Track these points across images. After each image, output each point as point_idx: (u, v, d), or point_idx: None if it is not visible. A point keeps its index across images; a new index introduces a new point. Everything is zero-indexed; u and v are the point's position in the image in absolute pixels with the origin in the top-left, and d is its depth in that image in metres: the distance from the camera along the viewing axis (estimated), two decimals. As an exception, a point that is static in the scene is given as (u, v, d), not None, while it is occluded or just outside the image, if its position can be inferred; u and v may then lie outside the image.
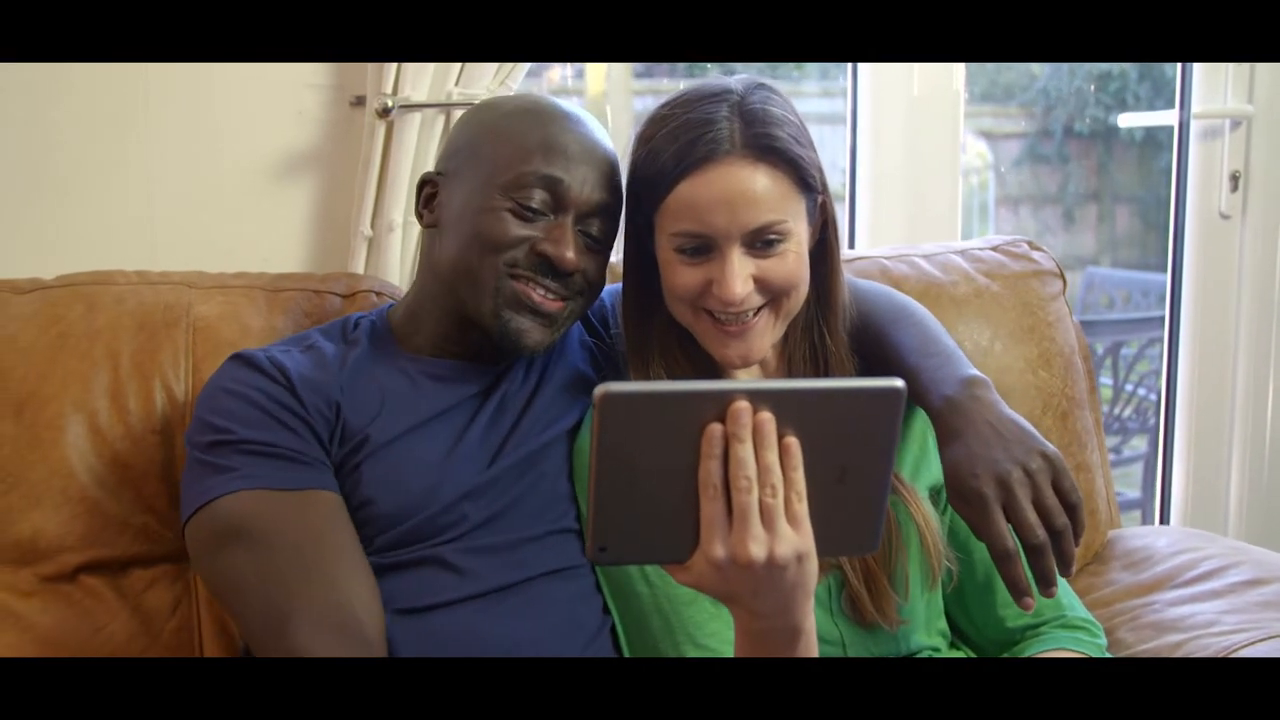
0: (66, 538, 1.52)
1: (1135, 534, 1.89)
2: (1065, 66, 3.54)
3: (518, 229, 1.36)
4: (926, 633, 1.41)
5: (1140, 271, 4.25)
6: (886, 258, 1.89)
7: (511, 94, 1.52)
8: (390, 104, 1.81)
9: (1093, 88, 3.71)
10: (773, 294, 1.32)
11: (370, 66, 1.84)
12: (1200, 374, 2.60)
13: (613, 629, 1.38)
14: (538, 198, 1.36)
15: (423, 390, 1.41)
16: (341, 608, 1.24)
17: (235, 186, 1.90)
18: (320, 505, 1.31)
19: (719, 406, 0.93)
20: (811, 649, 1.06)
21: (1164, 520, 2.68)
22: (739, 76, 1.35)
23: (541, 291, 1.38)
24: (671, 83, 2.80)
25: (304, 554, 1.26)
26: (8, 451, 1.51)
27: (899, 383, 0.94)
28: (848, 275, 1.46)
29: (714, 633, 1.31)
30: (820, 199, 1.36)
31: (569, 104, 1.44)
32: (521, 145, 1.37)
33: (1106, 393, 3.93)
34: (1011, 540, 1.19)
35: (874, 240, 2.35)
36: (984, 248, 1.94)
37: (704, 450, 0.94)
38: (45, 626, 1.49)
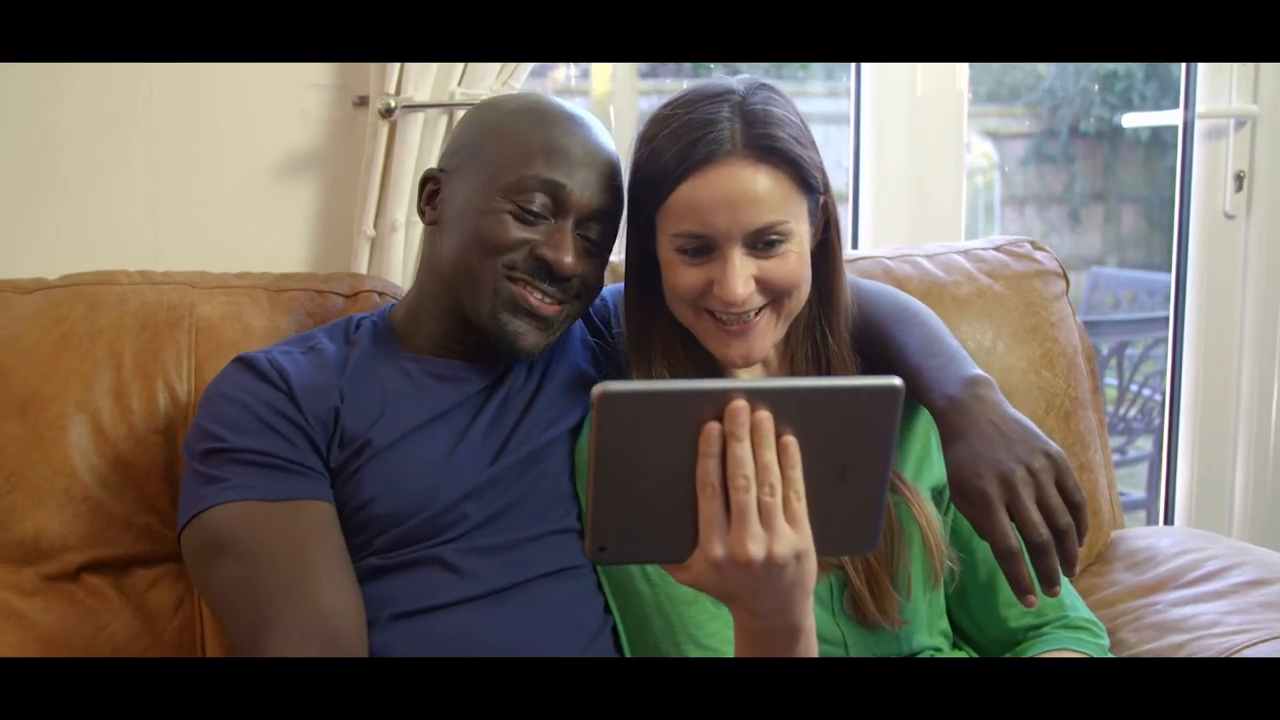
0: (69, 537, 1.52)
1: (1138, 534, 1.89)
2: (1071, 66, 3.54)
3: (517, 231, 1.36)
4: (929, 633, 1.41)
5: (1146, 271, 4.25)
6: (889, 258, 1.89)
7: (516, 94, 1.52)
8: (393, 104, 1.81)
9: (1097, 88, 3.71)
10: (774, 294, 1.32)
11: (373, 66, 1.84)
12: (1205, 374, 2.59)
13: (614, 629, 1.38)
14: (538, 201, 1.36)
15: (425, 390, 1.41)
16: (322, 618, 1.24)
17: (238, 186, 1.90)
18: (308, 515, 1.31)
19: (717, 405, 0.93)
20: (811, 649, 1.06)
21: (1168, 521, 2.67)
22: (741, 77, 1.35)
23: (539, 295, 1.38)
24: (676, 83, 2.80)
25: (287, 566, 1.27)
26: (11, 451, 1.51)
27: (897, 381, 0.94)
28: (851, 275, 1.46)
29: (715, 633, 1.31)
30: (822, 199, 1.36)
31: (571, 105, 1.44)
32: (524, 147, 1.37)
33: (1112, 393, 3.93)
34: (1015, 539, 1.19)
35: (877, 240, 2.35)
36: (987, 248, 1.94)
37: (702, 449, 0.94)
38: (48, 626, 1.49)
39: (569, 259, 1.36)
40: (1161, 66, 3.07)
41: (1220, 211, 2.53)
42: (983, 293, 1.85)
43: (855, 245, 2.36)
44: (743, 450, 0.93)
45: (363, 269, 1.87)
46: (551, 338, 1.42)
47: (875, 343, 1.44)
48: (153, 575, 1.55)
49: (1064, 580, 1.26)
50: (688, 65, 2.66)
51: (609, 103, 2.84)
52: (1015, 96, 3.86)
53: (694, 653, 1.32)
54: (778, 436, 0.94)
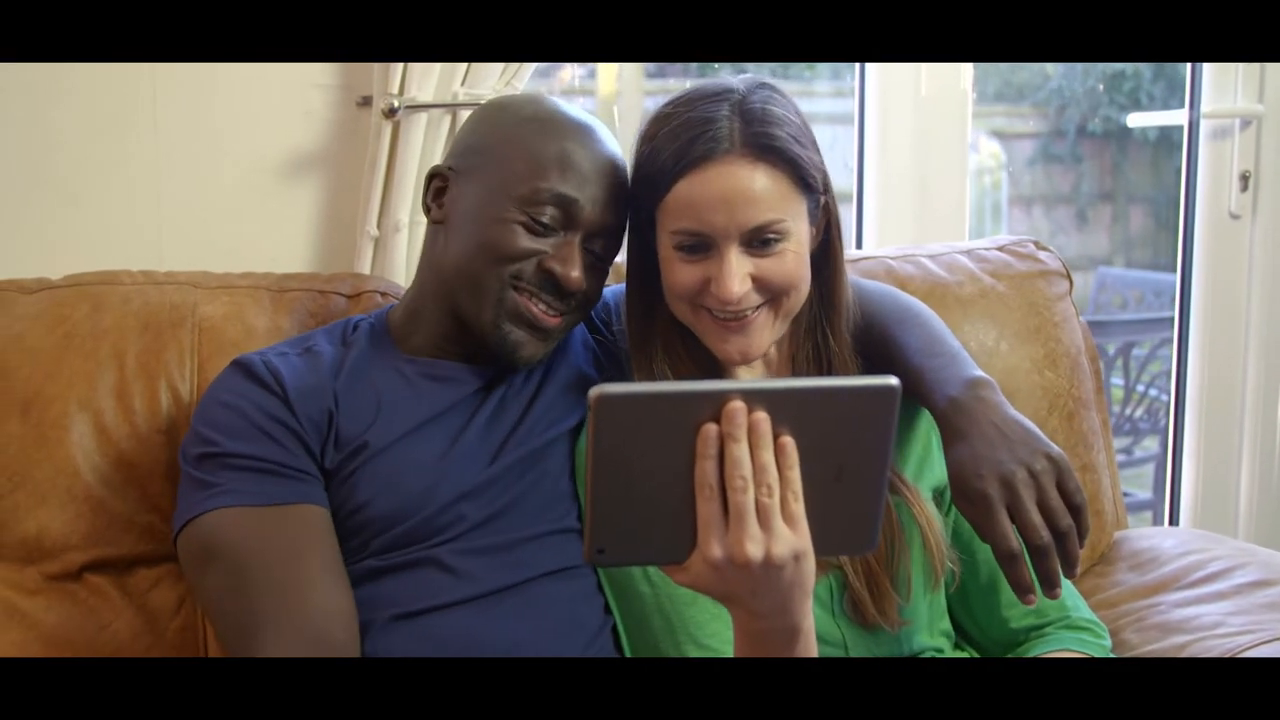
0: (71, 536, 1.52)
1: (1142, 535, 1.88)
2: (1079, 66, 3.53)
3: (527, 242, 1.36)
4: (929, 633, 1.41)
5: (1153, 272, 4.24)
6: (892, 258, 1.89)
7: (528, 96, 1.51)
8: (396, 104, 1.82)
9: (1101, 87, 3.70)
10: (772, 293, 1.33)
11: (376, 66, 1.84)
12: (1210, 374, 2.59)
13: (614, 629, 1.38)
14: (549, 213, 1.36)
15: (420, 391, 1.41)
16: (311, 622, 1.25)
17: (242, 186, 1.91)
18: (299, 520, 1.32)
19: (714, 407, 0.93)
20: (811, 649, 1.06)
21: (1173, 522, 2.67)
22: (744, 76, 1.35)
23: (542, 306, 1.38)
24: (682, 83, 2.79)
25: (276, 571, 1.27)
26: (14, 450, 1.52)
27: (894, 381, 0.94)
28: (852, 276, 1.46)
29: (715, 633, 1.31)
30: (823, 200, 1.36)
31: (583, 113, 1.44)
32: (539, 159, 1.37)
33: (1118, 393, 3.92)
34: (1016, 541, 1.19)
35: (881, 240, 2.34)
36: (990, 248, 1.94)
37: (699, 451, 0.94)
38: (50, 625, 1.50)
39: (576, 273, 1.37)
40: (1169, 66, 3.06)
41: (1225, 211, 2.53)
42: (986, 293, 1.85)
43: (859, 245, 2.36)
44: (740, 451, 0.94)
45: (366, 269, 1.87)
46: (549, 347, 1.42)
47: (876, 343, 1.44)
48: (155, 575, 1.56)
49: (1066, 581, 1.26)
50: (694, 65, 2.66)
51: (614, 103, 2.84)
52: (1022, 96, 3.85)
53: (694, 653, 1.32)
54: (775, 437, 0.94)
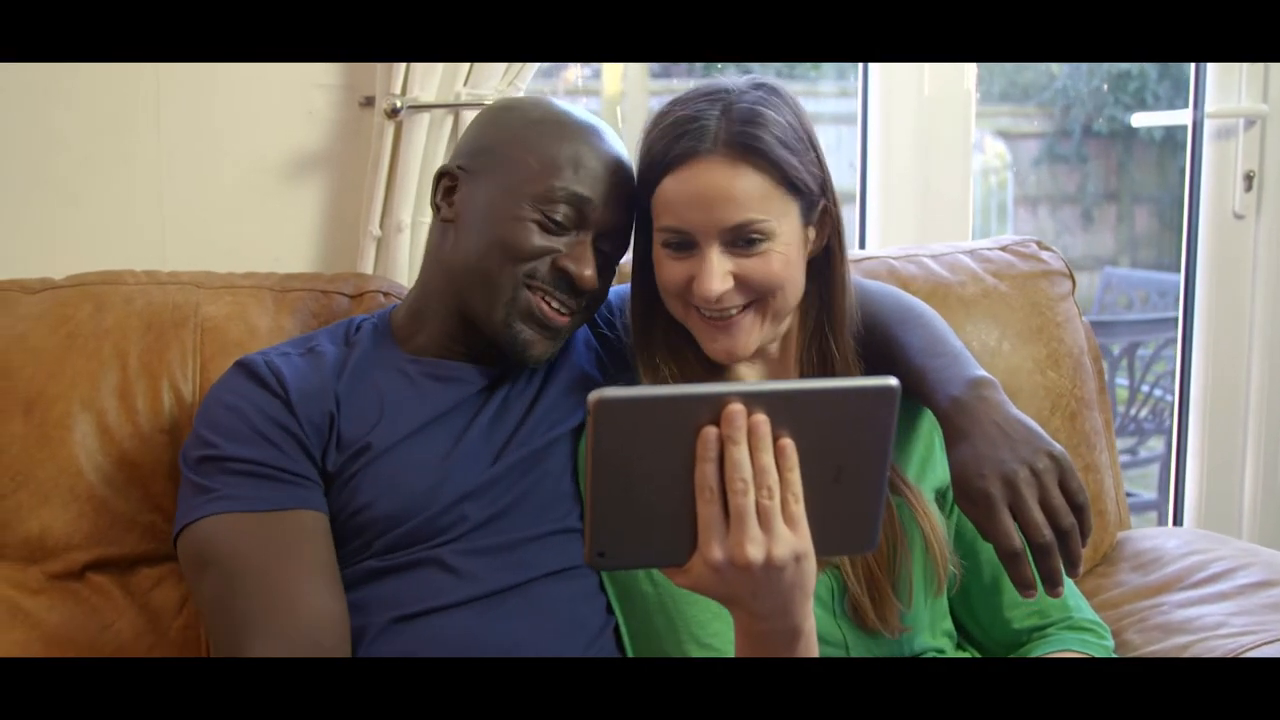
0: (74, 536, 1.53)
1: (1145, 535, 1.88)
2: (1084, 66, 3.53)
3: (541, 240, 1.37)
4: (931, 634, 1.41)
5: (1158, 272, 4.24)
6: (894, 258, 1.88)
7: (534, 99, 1.52)
8: (399, 104, 1.82)
9: (1105, 87, 3.70)
10: (756, 293, 1.33)
11: (379, 67, 1.85)
12: (1214, 375, 2.58)
13: (615, 629, 1.38)
14: (562, 212, 1.37)
15: (423, 391, 1.42)
16: (301, 627, 1.25)
17: (244, 186, 1.91)
18: (295, 526, 1.32)
19: (713, 409, 0.93)
20: (812, 650, 1.06)
21: (1178, 522, 2.66)
22: (747, 77, 1.36)
23: (555, 305, 1.39)
24: (686, 84, 2.80)
25: (268, 577, 1.28)
26: (16, 450, 1.52)
27: (893, 381, 0.94)
28: (855, 276, 1.46)
29: (717, 632, 1.31)
30: (822, 203, 1.36)
31: (589, 115, 1.45)
32: (552, 158, 1.38)
33: (1123, 394, 3.91)
34: (1018, 540, 1.19)
35: (885, 240, 2.34)
36: (992, 248, 1.93)
37: (699, 453, 0.94)
38: (53, 624, 1.50)
39: (590, 272, 1.38)
40: (1175, 65, 3.06)
41: (1230, 211, 2.52)
42: (988, 293, 1.85)
43: (862, 245, 2.36)
44: (740, 454, 0.94)
45: (368, 269, 1.88)
46: (558, 346, 1.43)
47: (879, 343, 1.44)
48: (157, 574, 1.56)
49: (1068, 581, 1.26)
50: (699, 65, 2.66)
51: (620, 103, 2.84)
52: (1028, 96, 3.85)
53: (696, 652, 1.32)
54: (775, 439, 0.94)
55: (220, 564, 1.29)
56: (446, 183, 1.46)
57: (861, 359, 1.43)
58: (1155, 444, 3.93)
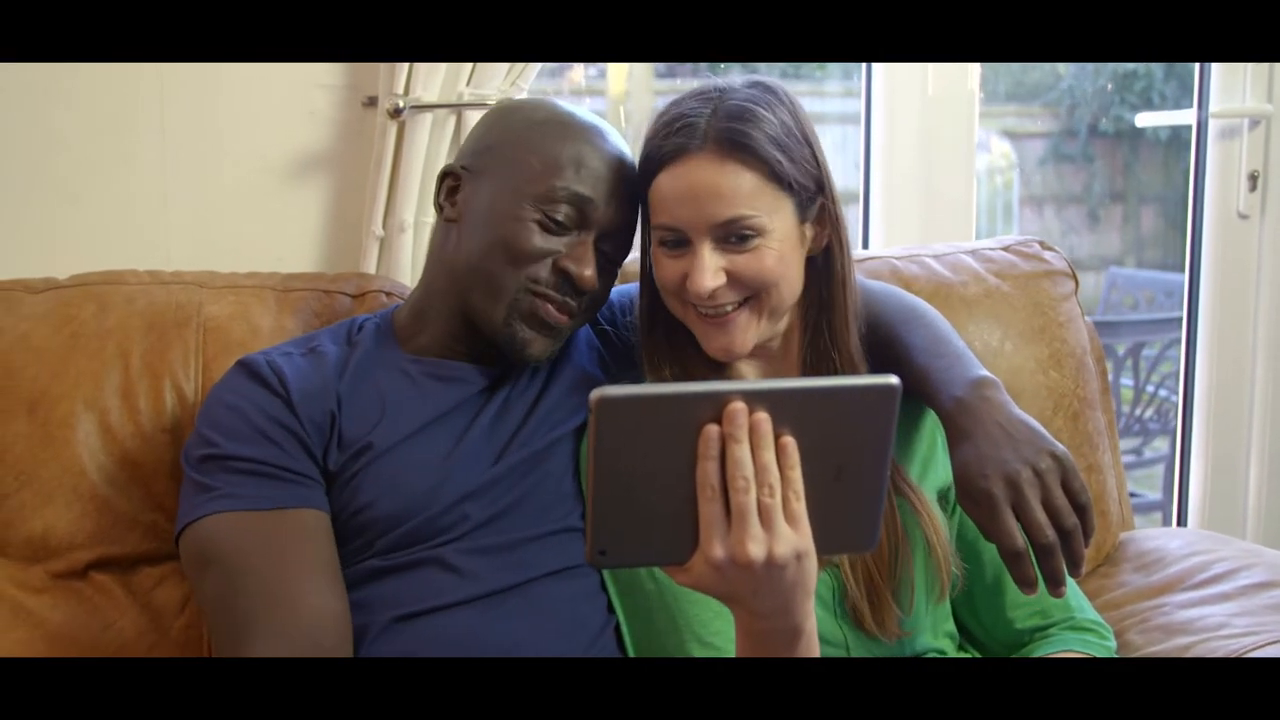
0: (77, 535, 1.53)
1: (1148, 535, 1.87)
2: (1090, 65, 3.52)
3: (542, 241, 1.38)
4: (933, 635, 1.41)
5: (1164, 272, 4.23)
6: (897, 258, 1.88)
7: (538, 100, 1.53)
8: (402, 104, 1.82)
9: (1110, 86, 3.69)
10: (749, 290, 1.33)
11: (382, 67, 1.85)
12: (1218, 375, 2.58)
13: (616, 629, 1.38)
14: (564, 212, 1.38)
15: (425, 391, 1.42)
16: (302, 626, 1.25)
17: (247, 186, 1.91)
18: (296, 525, 1.32)
19: (715, 408, 0.93)
20: (813, 649, 1.06)
21: (1181, 522, 2.66)
22: (745, 77, 1.36)
23: (555, 306, 1.39)
24: (690, 84, 2.79)
25: (268, 577, 1.28)
26: (20, 449, 1.53)
27: (894, 380, 0.94)
28: (858, 276, 1.46)
29: (719, 631, 1.31)
30: (820, 201, 1.36)
31: (592, 115, 1.46)
32: (554, 158, 1.38)
33: (1128, 394, 3.91)
34: (1021, 540, 1.19)
35: (888, 240, 2.34)
36: (995, 248, 1.93)
37: (701, 451, 0.94)
38: (55, 623, 1.50)
39: (590, 272, 1.38)
40: (1181, 65, 3.06)
41: (1234, 211, 2.51)
42: (990, 293, 1.85)
43: (866, 245, 2.36)
44: (742, 452, 0.94)
45: (371, 269, 1.88)
46: (557, 345, 1.43)
47: (881, 343, 1.44)
48: (159, 573, 1.56)
49: (1070, 581, 1.26)
50: (704, 65, 2.66)
51: (624, 103, 2.84)
52: (1034, 96, 3.85)
53: (698, 651, 1.32)
54: (776, 437, 0.94)
55: (221, 563, 1.30)
56: (450, 183, 1.46)
57: (865, 360, 1.43)
58: (1160, 444, 3.92)
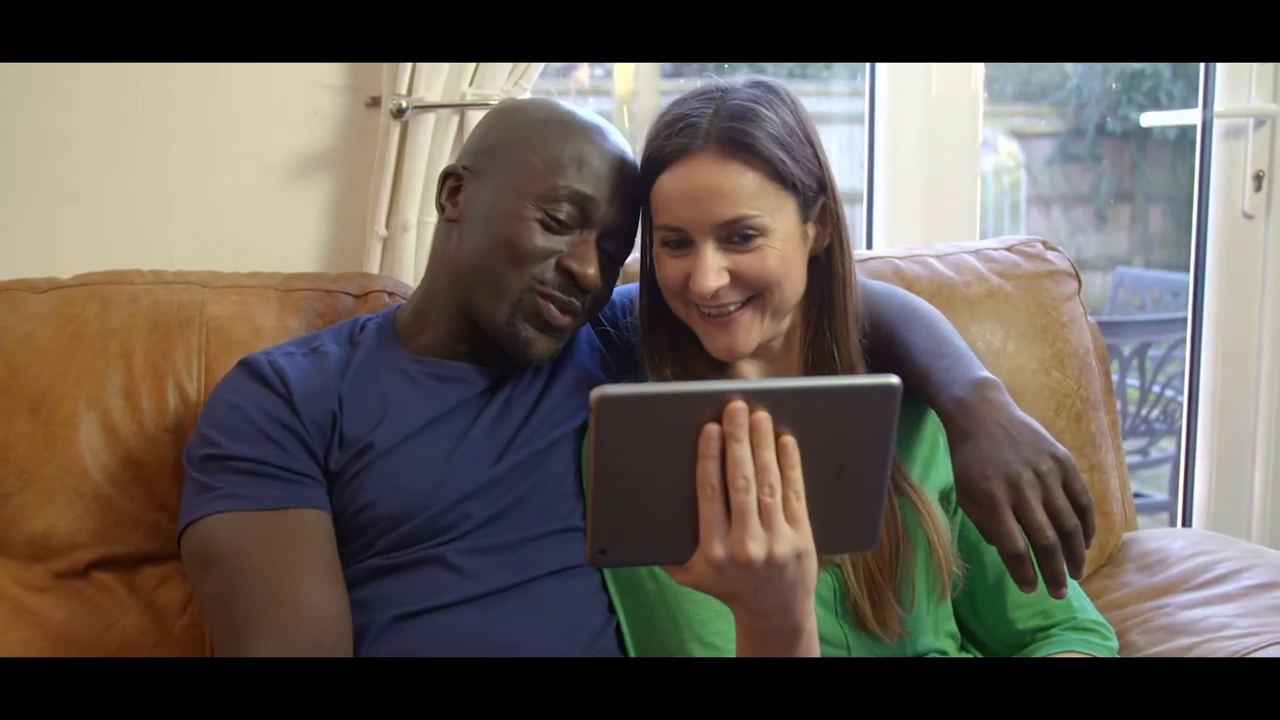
0: (79, 534, 1.53)
1: (1151, 536, 1.87)
2: (1098, 65, 3.52)
3: (544, 240, 1.38)
4: (934, 635, 1.40)
5: (1171, 272, 4.22)
6: (899, 258, 1.88)
7: (539, 100, 1.53)
8: (405, 104, 1.82)
9: (1115, 86, 3.69)
10: (752, 289, 1.33)
11: (385, 67, 1.85)
12: (1223, 375, 2.57)
13: (616, 628, 1.38)
14: (566, 211, 1.38)
15: (426, 392, 1.42)
16: (302, 625, 1.25)
17: (251, 187, 1.91)
18: (297, 524, 1.32)
19: (715, 407, 0.93)
20: (813, 649, 1.06)
21: (1186, 523, 2.66)
22: (748, 76, 1.36)
23: (557, 306, 1.39)
24: (696, 84, 2.79)
25: (269, 575, 1.28)
26: (22, 448, 1.53)
27: (894, 379, 0.94)
28: (859, 276, 1.46)
29: (719, 630, 1.31)
30: (822, 201, 1.36)
31: (594, 115, 1.46)
32: (556, 157, 1.39)
33: (1134, 394, 3.90)
34: (1022, 541, 1.19)
35: (891, 240, 2.34)
36: (998, 248, 1.93)
37: (701, 451, 0.94)
38: (58, 622, 1.51)
39: (593, 271, 1.38)
40: (1188, 65, 3.05)
41: (1239, 211, 2.51)
42: (993, 293, 1.84)
43: (869, 245, 2.36)
44: (742, 451, 0.94)
45: (374, 269, 1.88)
46: (559, 344, 1.43)
47: (883, 343, 1.44)
48: (162, 573, 1.57)
49: (1072, 582, 1.26)
50: (710, 65, 2.66)
51: (630, 102, 2.84)
52: (1042, 96, 3.85)
53: (699, 651, 1.32)
54: (776, 436, 0.94)
55: (222, 562, 1.30)
56: (451, 183, 1.46)
57: (866, 360, 1.43)
58: (1167, 445, 3.92)
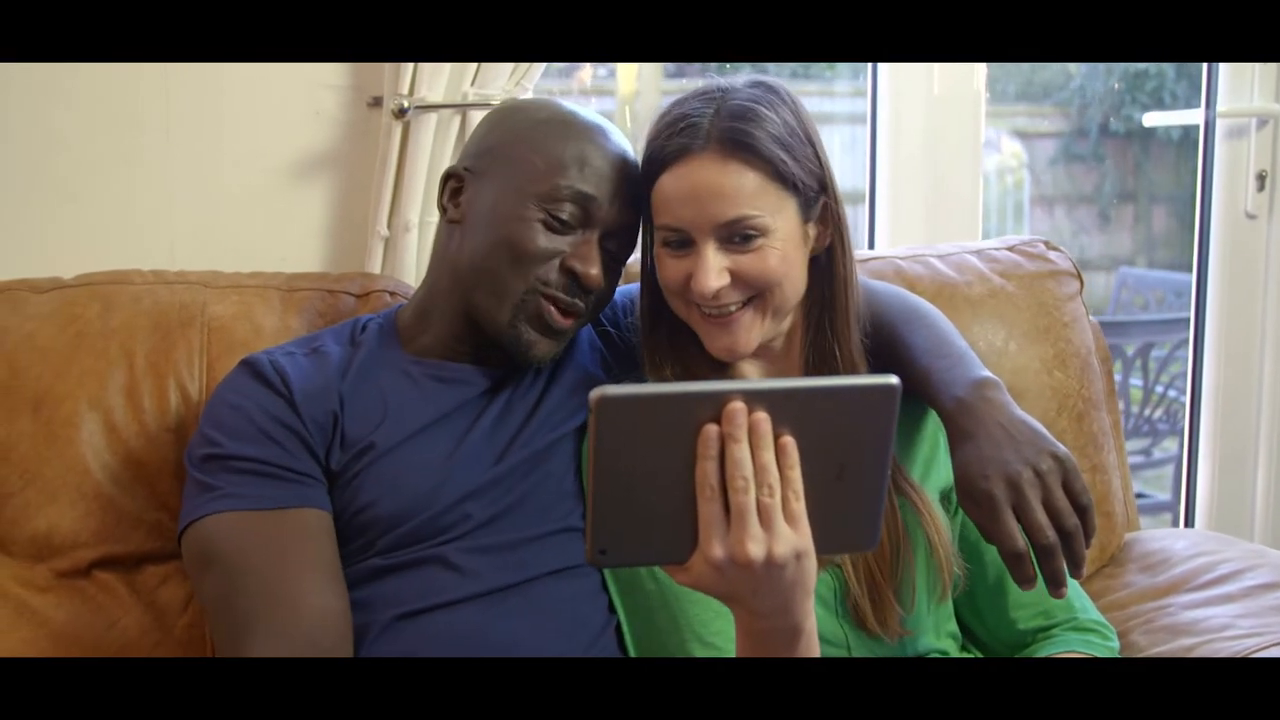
0: (81, 534, 1.53)
1: (1153, 536, 1.87)
2: (1101, 65, 3.52)
3: (546, 241, 1.38)
4: (935, 635, 1.40)
5: (1174, 272, 4.22)
6: (901, 258, 1.88)
7: (540, 100, 1.53)
8: (406, 105, 1.82)
9: (1117, 86, 3.68)
10: (753, 289, 1.33)
11: (387, 67, 1.85)
12: (1226, 375, 2.57)
13: (617, 628, 1.38)
14: (568, 210, 1.38)
15: (427, 393, 1.42)
16: (303, 625, 1.25)
17: (253, 187, 1.91)
18: (297, 524, 1.32)
19: (715, 407, 0.93)
20: (813, 649, 1.06)
21: (1189, 523, 2.65)
22: (749, 76, 1.36)
23: (561, 306, 1.39)
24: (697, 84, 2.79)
25: (269, 575, 1.28)
26: (24, 448, 1.53)
27: (894, 379, 0.94)
28: (860, 276, 1.45)
29: (720, 630, 1.31)
30: (823, 201, 1.35)
31: (595, 115, 1.46)
32: (557, 157, 1.39)
33: (1137, 394, 3.90)
34: (1021, 541, 1.19)
35: (893, 240, 2.34)
36: (1000, 248, 1.93)
37: (700, 451, 0.94)
38: (59, 622, 1.51)
39: (596, 271, 1.38)
40: (1192, 65, 3.05)
41: (1242, 211, 2.51)
42: (995, 293, 1.84)
43: (871, 245, 2.36)
44: (741, 452, 0.94)
45: (376, 269, 1.88)
46: (561, 346, 1.43)
47: (884, 343, 1.44)
48: (163, 572, 1.57)
49: (1073, 582, 1.26)
50: (712, 65, 2.66)
51: (633, 103, 2.84)
52: (1045, 95, 3.84)
53: (699, 651, 1.32)
54: (776, 437, 0.94)
55: (223, 562, 1.30)
56: (453, 184, 1.46)
57: (867, 360, 1.43)
58: (1170, 445, 3.91)
